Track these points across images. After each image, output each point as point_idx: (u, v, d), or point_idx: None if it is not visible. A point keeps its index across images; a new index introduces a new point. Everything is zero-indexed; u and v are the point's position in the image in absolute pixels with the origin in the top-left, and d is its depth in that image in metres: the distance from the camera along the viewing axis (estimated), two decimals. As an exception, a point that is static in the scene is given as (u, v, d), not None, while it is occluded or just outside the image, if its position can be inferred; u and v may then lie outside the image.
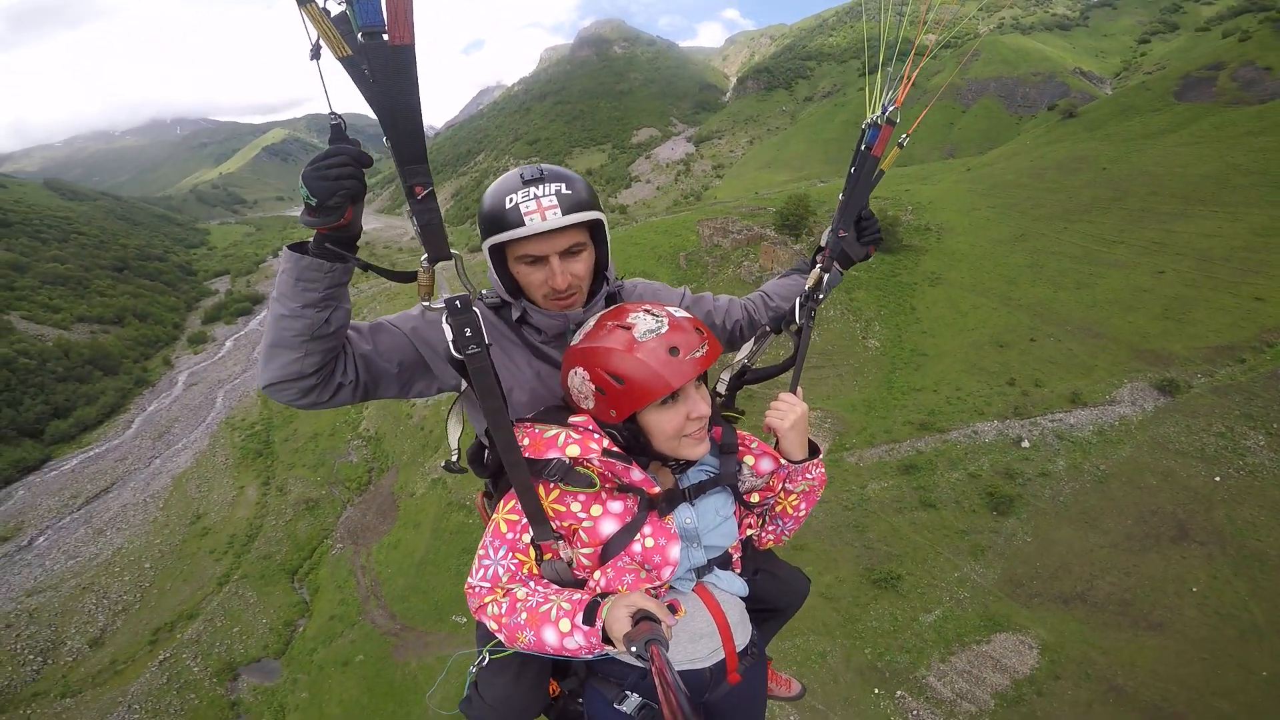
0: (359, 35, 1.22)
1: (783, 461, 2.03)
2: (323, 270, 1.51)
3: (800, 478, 2.06)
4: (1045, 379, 35.14)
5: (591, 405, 1.71)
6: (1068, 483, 28.69)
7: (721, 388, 2.35)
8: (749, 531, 2.12)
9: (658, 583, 1.73)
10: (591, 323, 1.76)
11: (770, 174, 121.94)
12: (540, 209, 1.72)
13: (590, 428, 1.74)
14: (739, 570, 2.03)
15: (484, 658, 1.83)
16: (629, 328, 1.63)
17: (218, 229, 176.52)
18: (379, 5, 1.19)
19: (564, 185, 1.77)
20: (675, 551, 1.74)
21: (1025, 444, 31.38)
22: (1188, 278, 37.56)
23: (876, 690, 23.92)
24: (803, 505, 2.13)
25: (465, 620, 33.74)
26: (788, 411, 2.04)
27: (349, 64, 1.26)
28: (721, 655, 1.84)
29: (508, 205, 1.75)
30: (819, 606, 27.44)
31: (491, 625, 1.73)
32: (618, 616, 1.47)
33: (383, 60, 1.24)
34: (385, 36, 1.23)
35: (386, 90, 1.25)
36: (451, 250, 1.51)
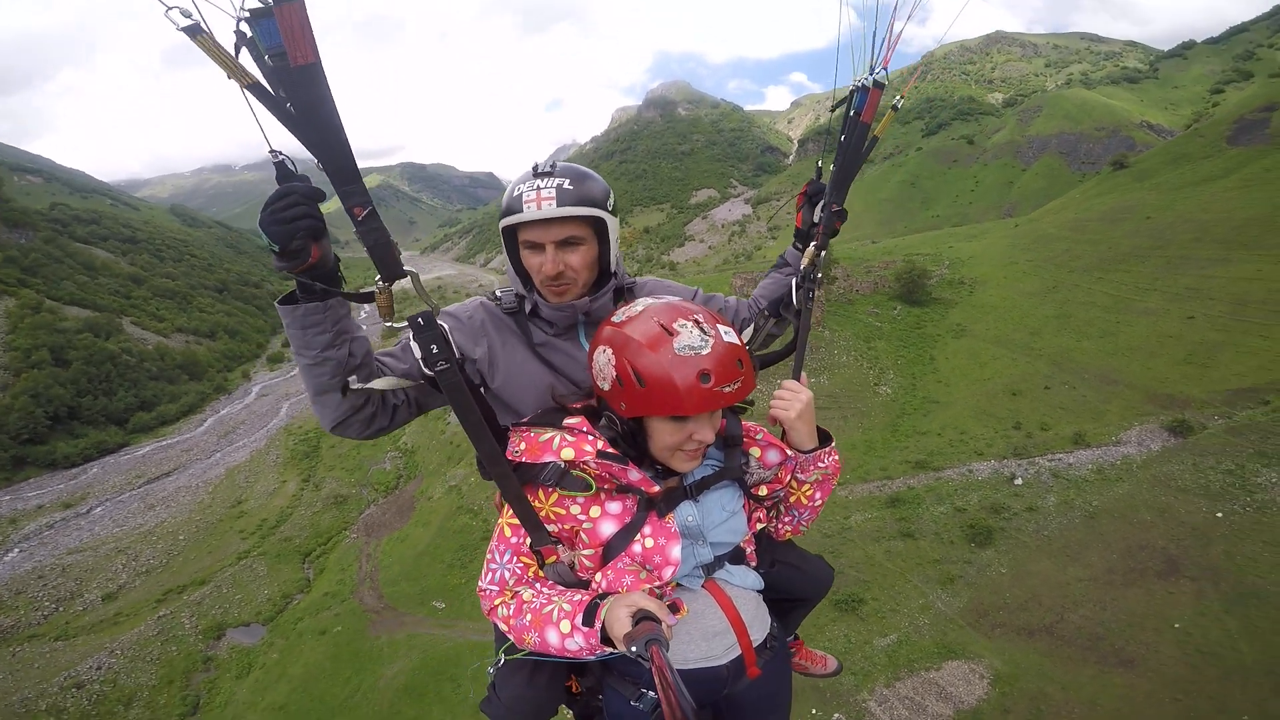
0: (267, 59, 1.21)
1: (789, 452, 1.95)
2: (322, 311, 1.51)
3: (812, 467, 1.98)
4: (1052, 423, 33.87)
5: (606, 389, 1.65)
6: (1055, 518, 27.28)
7: None
8: (760, 525, 2.00)
9: (658, 583, 1.67)
10: (639, 307, 1.68)
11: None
12: (538, 199, 1.76)
13: (584, 429, 1.71)
14: (754, 563, 1.96)
15: (500, 659, 1.83)
16: (672, 335, 1.55)
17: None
18: (275, 26, 1.16)
19: (567, 181, 1.80)
20: (676, 551, 1.69)
21: (1018, 481, 30.17)
22: (1218, 322, 35.52)
23: (814, 710, 23.11)
24: (817, 495, 2.04)
25: (444, 606, 34.99)
26: (792, 400, 1.97)
27: (259, 93, 1.24)
28: (738, 651, 1.78)
29: (515, 193, 1.82)
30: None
31: (502, 627, 1.72)
32: (618, 616, 1.44)
33: (292, 83, 1.21)
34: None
35: (303, 113, 1.23)
36: (406, 268, 1.49)
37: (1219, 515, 24.39)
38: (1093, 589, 23.75)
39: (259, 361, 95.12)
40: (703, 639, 1.75)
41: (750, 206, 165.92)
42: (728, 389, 1.53)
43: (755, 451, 1.93)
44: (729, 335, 1.60)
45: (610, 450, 1.66)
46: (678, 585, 1.74)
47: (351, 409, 1.70)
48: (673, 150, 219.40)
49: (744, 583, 1.87)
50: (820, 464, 1.98)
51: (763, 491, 1.99)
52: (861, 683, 23.23)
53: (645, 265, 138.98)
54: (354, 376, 1.62)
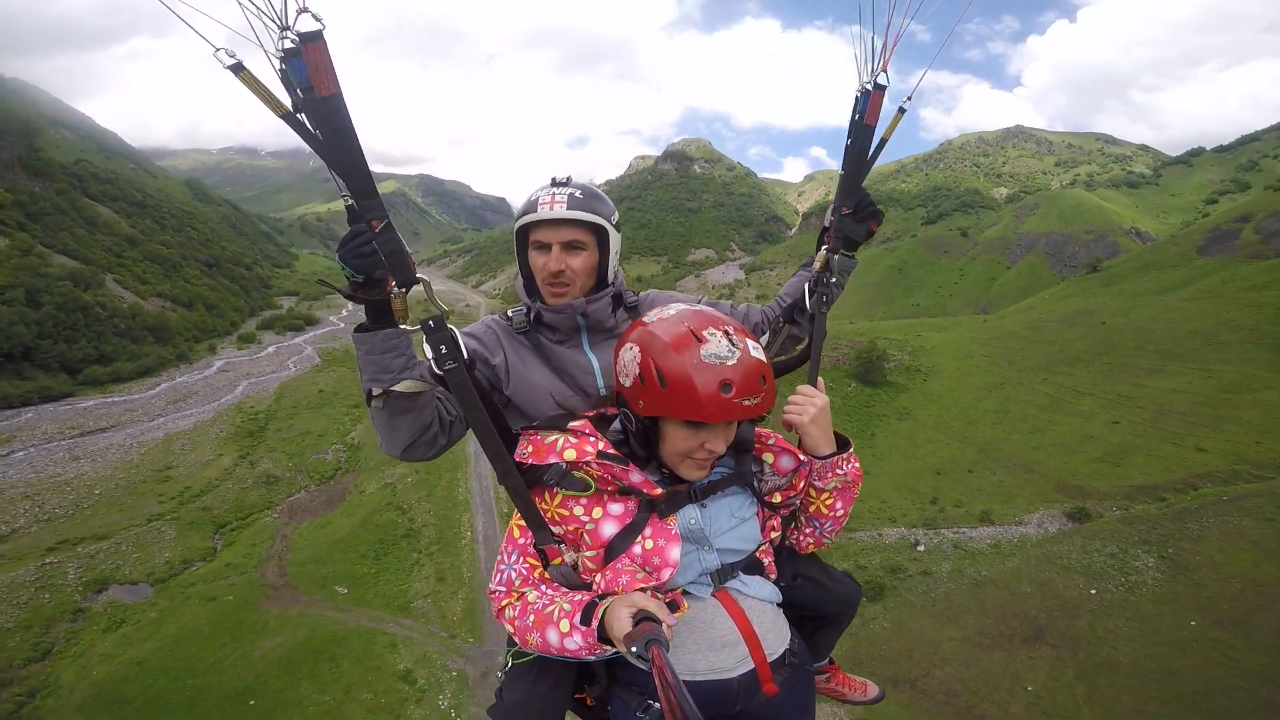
0: (299, 92, 1.37)
1: (802, 458, 1.91)
2: (398, 336, 1.64)
3: (830, 474, 1.93)
4: (966, 501, 35.06)
5: (628, 385, 1.67)
6: (945, 582, 28.04)
7: None
8: (774, 534, 1.95)
9: (653, 583, 1.65)
10: (673, 310, 1.73)
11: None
12: (552, 202, 1.96)
13: (587, 431, 1.74)
14: (774, 576, 1.91)
15: (508, 662, 1.84)
16: (701, 341, 1.56)
17: (307, 257, 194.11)
18: (303, 63, 1.33)
19: (579, 192, 2.00)
20: (674, 553, 1.67)
21: (920, 547, 31.06)
22: (1138, 428, 37.11)
23: None
24: (839, 504, 1.99)
25: (346, 591, 34.64)
26: (806, 405, 1.97)
27: (290, 120, 1.40)
28: (751, 664, 1.71)
29: (532, 197, 2.02)
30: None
31: (508, 628, 1.73)
32: (618, 616, 1.42)
33: (318, 111, 1.37)
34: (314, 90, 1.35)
35: (327, 137, 1.39)
36: (418, 275, 1.58)
37: (1093, 592, 25.30)
38: (962, 648, 24.27)
39: (229, 339, 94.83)
40: (710, 649, 1.68)
41: (744, 273, 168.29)
42: (747, 402, 1.53)
43: (768, 457, 1.88)
44: (756, 351, 1.61)
45: (611, 451, 1.68)
46: (685, 592, 1.71)
47: (421, 429, 1.80)
48: (681, 205, 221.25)
49: (759, 594, 1.80)
50: (838, 471, 1.93)
51: (777, 499, 1.92)
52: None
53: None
54: (374, 386, 1.68)
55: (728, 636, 1.69)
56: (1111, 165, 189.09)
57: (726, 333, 1.60)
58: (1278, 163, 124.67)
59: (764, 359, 1.62)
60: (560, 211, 1.96)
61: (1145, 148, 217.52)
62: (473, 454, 53.22)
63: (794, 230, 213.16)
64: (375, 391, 1.67)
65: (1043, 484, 34.93)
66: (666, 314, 1.71)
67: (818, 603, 2.09)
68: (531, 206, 2.01)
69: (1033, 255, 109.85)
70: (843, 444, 1.98)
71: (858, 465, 1.97)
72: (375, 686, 27.32)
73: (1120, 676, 22.08)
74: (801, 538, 2.07)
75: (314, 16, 1.30)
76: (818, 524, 2.02)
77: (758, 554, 1.85)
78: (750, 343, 1.62)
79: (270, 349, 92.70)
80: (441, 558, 37.99)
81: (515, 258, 2.16)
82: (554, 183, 2.05)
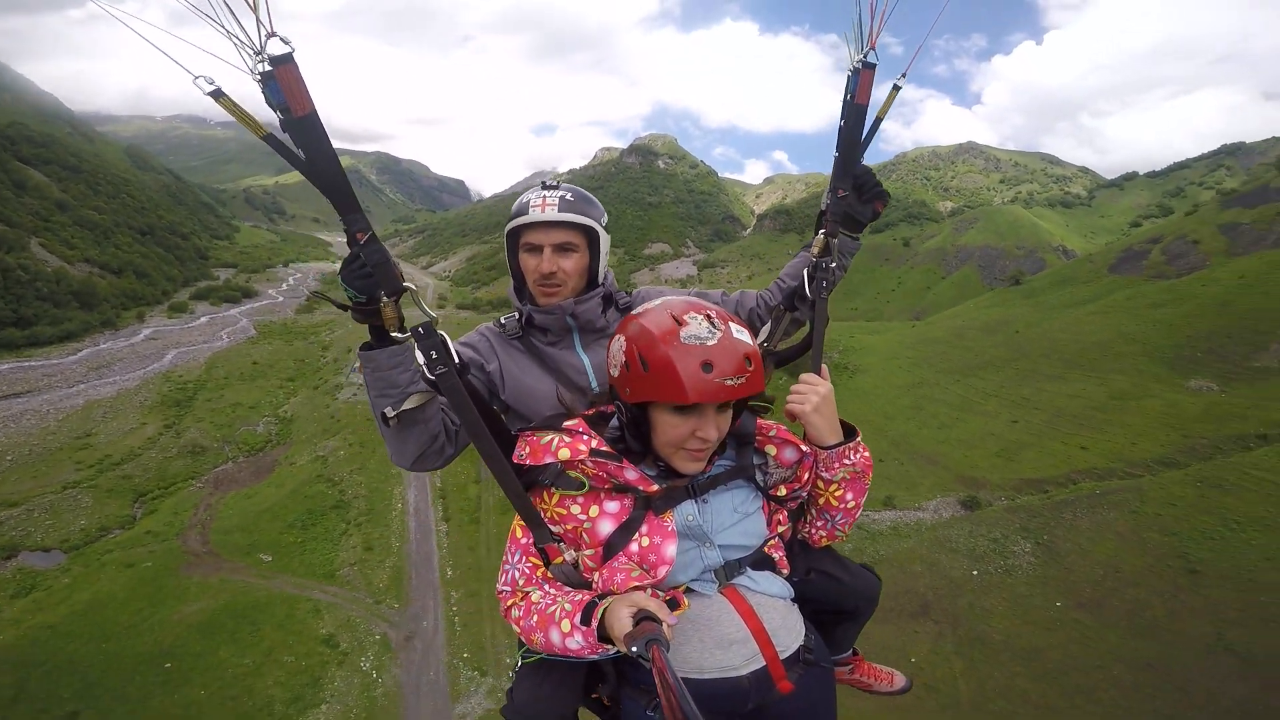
0: (277, 113, 1.41)
1: (805, 449, 1.86)
2: (403, 352, 1.70)
3: (837, 464, 1.87)
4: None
5: (616, 375, 1.68)
6: (847, 560, 30.14)
7: None
8: (781, 528, 1.88)
9: (648, 581, 1.62)
10: (658, 301, 1.74)
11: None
12: (544, 205, 2.02)
13: (581, 430, 1.74)
14: (786, 571, 1.87)
15: (518, 662, 1.85)
16: (681, 324, 1.57)
17: (248, 230, 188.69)
18: (278, 86, 1.37)
19: (569, 195, 2.06)
20: (670, 550, 1.64)
21: (825, 527, 33.26)
22: (1034, 428, 40.35)
23: None
24: (849, 495, 1.92)
25: (271, 559, 34.72)
26: (808, 393, 1.92)
27: (271, 141, 1.46)
28: (761, 662, 1.66)
29: (523, 200, 2.09)
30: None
31: (515, 628, 1.74)
32: (619, 616, 1.41)
33: (297, 130, 1.41)
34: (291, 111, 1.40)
35: (308, 155, 1.43)
36: (405, 284, 1.62)
37: (975, 573, 27.80)
38: (856, 621, 26.44)
39: (160, 308, 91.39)
40: (718, 647, 1.65)
41: (697, 269, 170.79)
42: (730, 382, 1.52)
43: (771, 450, 1.85)
44: (741, 334, 1.61)
45: (604, 449, 1.67)
46: (689, 590, 1.68)
47: (429, 440, 1.87)
48: (642, 199, 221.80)
49: (769, 590, 1.76)
50: (846, 461, 1.88)
51: (782, 492, 1.86)
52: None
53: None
54: (389, 406, 1.76)
55: (735, 634, 1.66)
56: (1052, 185, 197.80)
57: (708, 316, 1.60)
58: (1202, 190, 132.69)
59: (750, 342, 1.61)
60: (551, 214, 2.03)
61: (1085, 169, 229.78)
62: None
63: (748, 231, 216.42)
64: (389, 413, 1.75)
65: (944, 475, 37.64)
66: (652, 304, 1.72)
67: (834, 597, 2.05)
68: (522, 209, 2.07)
69: (967, 267, 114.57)
70: (849, 433, 1.92)
71: (867, 454, 1.92)
72: (296, 650, 27.79)
73: (992, 652, 24.58)
74: (813, 531, 2.00)
75: (282, 40, 1.35)
76: (829, 516, 1.95)
77: (767, 549, 1.81)
78: (735, 326, 1.62)
79: (203, 319, 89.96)
80: (370, 528, 38.38)
81: (506, 257, 2.21)
82: (544, 186, 2.11)
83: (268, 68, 1.36)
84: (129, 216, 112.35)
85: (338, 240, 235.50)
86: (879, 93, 2.17)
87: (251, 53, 1.35)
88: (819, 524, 1.98)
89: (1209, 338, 49.92)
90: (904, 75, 2.23)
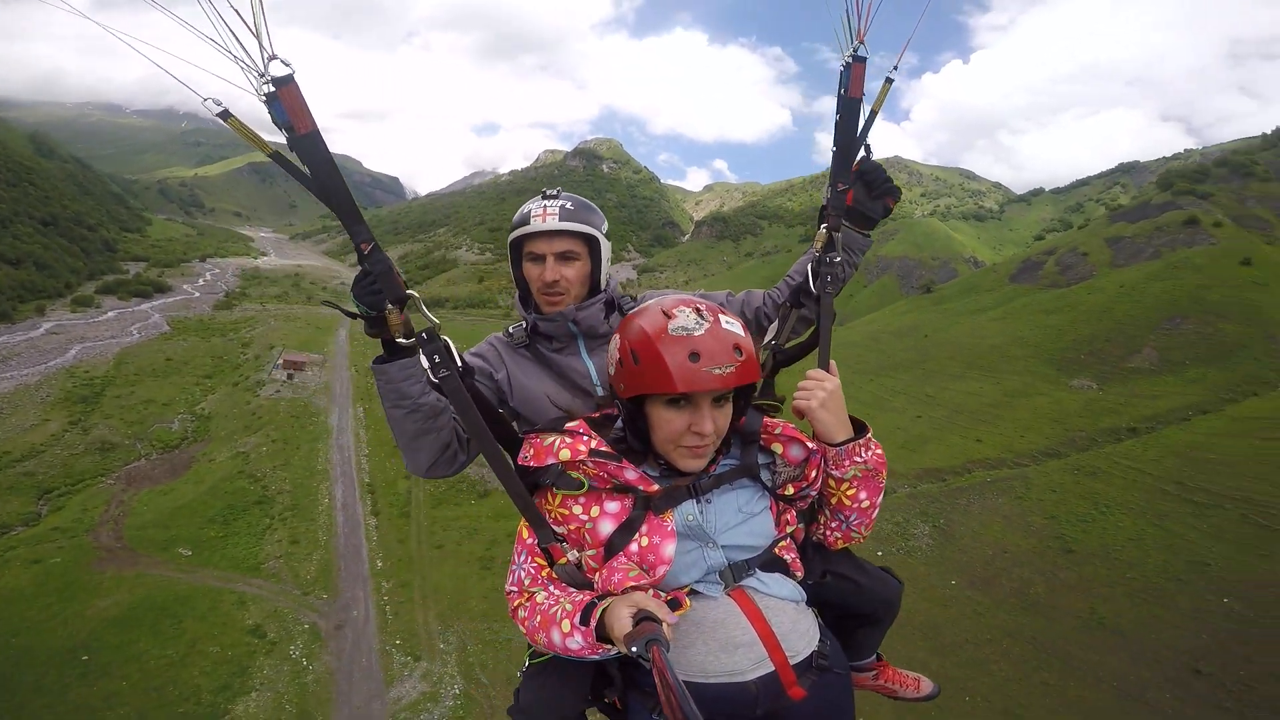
0: (283, 132, 1.47)
1: (811, 446, 1.80)
2: (414, 365, 1.76)
3: (848, 462, 1.81)
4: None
5: (612, 372, 1.69)
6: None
7: None
8: (790, 528, 1.84)
9: (646, 581, 1.60)
10: (652, 299, 1.76)
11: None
12: (545, 214, 2.06)
13: (581, 431, 1.75)
14: (800, 573, 1.82)
15: (525, 663, 1.86)
16: (669, 317, 1.58)
17: (161, 223, 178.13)
18: (282, 106, 1.43)
19: (569, 203, 2.09)
20: (668, 550, 1.62)
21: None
22: (936, 423, 44.10)
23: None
24: (863, 494, 1.86)
25: (191, 554, 33.83)
26: (814, 389, 1.88)
27: (278, 159, 1.54)
28: (770, 667, 1.61)
29: (525, 210, 2.12)
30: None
31: (521, 629, 1.73)
32: (619, 616, 1.40)
33: (300, 147, 1.48)
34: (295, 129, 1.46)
35: (312, 170, 1.51)
36: (408, 291, 1.67)
37: (879, 554, 30.18)
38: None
39: (62, 301, 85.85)
40: (722, 650, 1.61)
41: (636, 273, 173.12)
42: (718, 370, 1.51)
43: (777, 448, 1.80)
44: (729, 324, 1.60)
45: (603, 449, 1.67)
46: (693, 591, 1.64)
47: (441, 448, 1.92)
48: None
49: (778, 592, 1.71)
50: (856, 458, 1.82)
51: (790, 491, 1.80)
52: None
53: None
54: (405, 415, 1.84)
55: (741, 637, 1.62)
56: (968, 199, 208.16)
57: (696, 309, 1.60)
58: (1098, 205, 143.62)
59: (740, 333, 1.61)
60: (553, 223, 2.05)
61: (999, 185, 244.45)
62: (334, 427, 52.69)
63: (686, 237, 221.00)
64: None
65: (851, 467, 40.73)
66: (646, 303, 1.73)
67: (852, 601, 2.03)
68: (524, 219, 2.09)
69: (886, 276, 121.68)
70: (860, 429, 1.88)
71: (879, 451, 1.88)
72: (221, 640, 27.43)
73: (896, 626, 26.62)
74: (828, 533, 1.96)
75: (283, 62, 1.41)
76: (843, 517, 1.90)
77: (778, 551, 1.77)
78: (725, 318, 1.61)
79: (110, 314, 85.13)
80: (296, 523, 37.91)
81: (510, 267, 2.27)
82: (545, 195, 2.14)
83: (271, 89, 1.42)
84: (30, 206, 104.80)
85: (260, 235, 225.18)
86: (873, 89, 2.19)
87: (256, 75, 1.41)
88: (833, 525, 1.94)
89: (1091, 341, 55.83)
90: (895, 69, 2.22)
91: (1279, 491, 31.14)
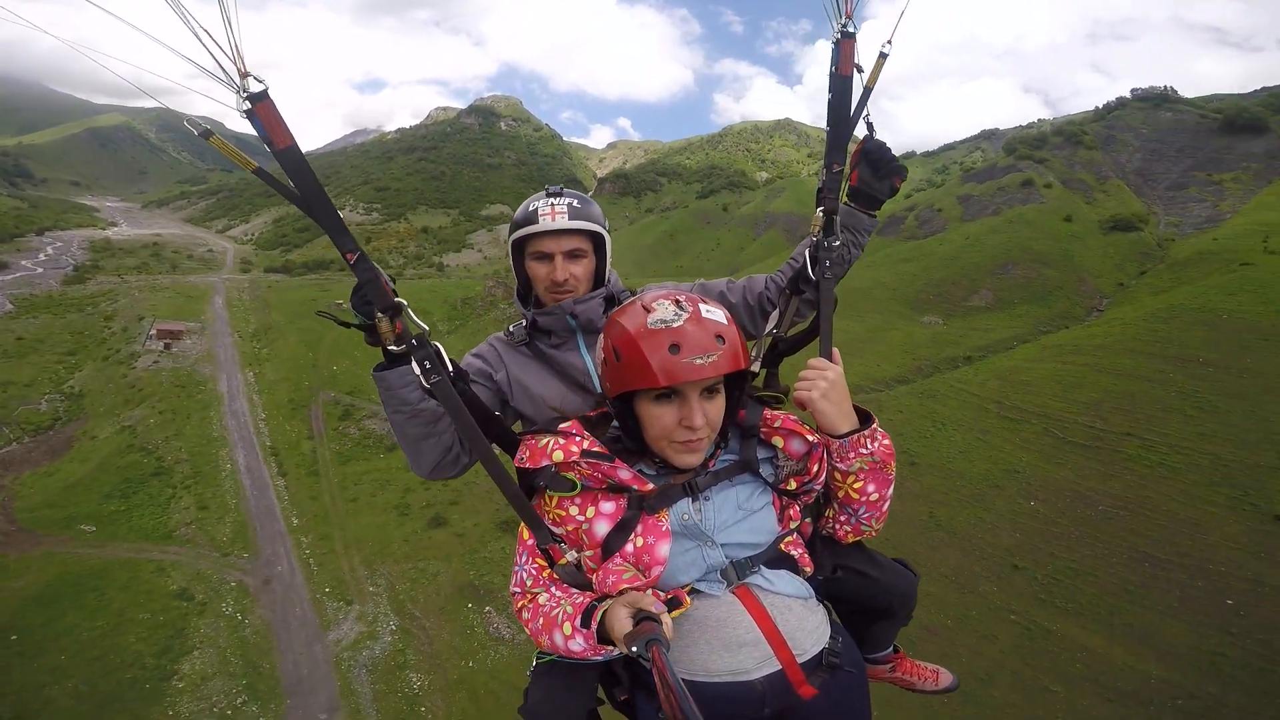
0: (265, 148, 1.51)
1: (812, 439, 1.74)
2: (412, 372, 1.77)
3: (852, 454, 1.75)
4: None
5: (600, 372, 1.68)
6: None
7: (756, 365, 2.12)
8: (793, 524, 1.79)
9: (641, 582, 1.59)
10: (635, 296, 1.76)
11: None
12: (553, 213, 2.04)
13: (574, 431, 1.71)
14: (809, 569, 1.79)
15: (534, 663, 1.83)
16: (648, 311, 1.56)
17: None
18: (260, 122, 1.45)
19: (575, 201, 2.08)
20: (662, 550, 1.61)
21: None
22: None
23: (470, 604, 28.27)
24: (870, 487, 1.79)
25: (95, 530, 33.52)
26: (816, 379, 1.81)
27: (261, 174, 1.59)
28: (776, 665, 1.58)
29: (530, 209, 2.08)
30: (446, 540, 31.60)
31: (525, 631, 1.74)
32: (618, 617, 1.39)
33: (283, 160, 1.51)
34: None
35: (296, 183, 1.53)
36: (396, 300, 1.68)
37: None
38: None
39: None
40: (726, 649, 1.58)
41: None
42: (700, 360, 1.49)
43: (778, 441, 1.74)
44: (711, 313, 1.57)
45: (596, 449, 1.64)
46: (694, 590, 1.61)
47: (443, 451, 1.98)
48: (480, 160, 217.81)
49: (784, 589, 1.67)
50: (861, 450, 1.74)
51: (792, 485, 1.75)
52: (507, 582, 28.52)
53: (413, 263, 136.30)
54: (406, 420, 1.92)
55: (745, 636, 1.59)
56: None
57: (676, 300, 1.58)
58: (960, 169, 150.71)
59: (724, 321, 1.57)
60: (562, 222, 2.05)
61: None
62: (224, 393, 51.74)
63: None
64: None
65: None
66: (630, 301, 1.70)
67: (865, 595, 1.96)
68: (531, 218, 2.07)
69: (773, 230, 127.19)
70: (865, 420, 1.79)
71: (887, 442, 1.78)
72: (149, 607, 28.11)
73: None
74: (837, 528, 1.89)
75: (256, 79, 1.42)
76: (851, 511, 1.84)
77: (785, 546, 1.73)
78: (706, 307, 1.58)
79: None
80: (202, 489, 38.08)
81: (512, 266, 2.24)
82: (548, 194, 2.12)
83: (248, 105, 1.44)
84: None
85: (106, 204, 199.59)
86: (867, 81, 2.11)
87: (236, 92, 1.42)
88: (841, 519, 1.88)
89: (939, 285, 64.19)
90: (889, 42, 2.14)
91: (1072, 407, 36.03)
